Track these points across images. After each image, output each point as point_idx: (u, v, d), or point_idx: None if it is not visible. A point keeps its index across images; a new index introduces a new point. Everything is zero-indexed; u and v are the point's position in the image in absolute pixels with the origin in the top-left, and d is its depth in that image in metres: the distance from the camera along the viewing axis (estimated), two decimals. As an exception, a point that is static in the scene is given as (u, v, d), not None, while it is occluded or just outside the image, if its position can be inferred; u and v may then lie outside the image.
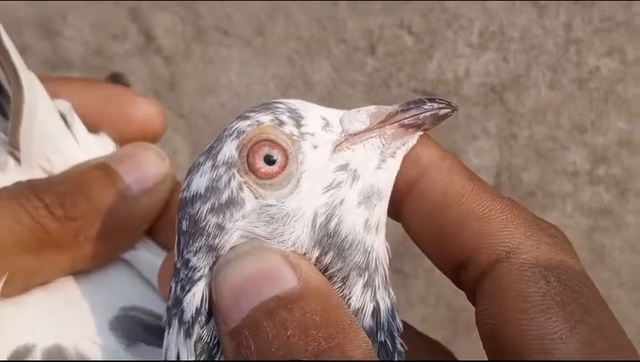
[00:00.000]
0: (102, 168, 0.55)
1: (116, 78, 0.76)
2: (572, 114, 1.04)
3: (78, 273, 0.55)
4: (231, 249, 0.45)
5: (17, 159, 0.56)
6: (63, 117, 0.57)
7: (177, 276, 0.46)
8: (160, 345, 0.50)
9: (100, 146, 0.58)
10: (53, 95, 0.58)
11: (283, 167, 0.45)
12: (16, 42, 0.56)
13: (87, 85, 0.61)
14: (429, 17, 1.04)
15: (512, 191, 1.07)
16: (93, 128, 0.59)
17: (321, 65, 1.07)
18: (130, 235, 0.57)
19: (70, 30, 1.10)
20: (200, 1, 1.07)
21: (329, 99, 1.06)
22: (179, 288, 0.46)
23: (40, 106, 0.55)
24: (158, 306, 0.55)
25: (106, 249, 0.55)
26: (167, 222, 0.57)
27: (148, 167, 0.56)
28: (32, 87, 0.55)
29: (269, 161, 0.45)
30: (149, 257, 0.57)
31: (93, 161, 0.56)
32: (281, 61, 1.07)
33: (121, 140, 0.60)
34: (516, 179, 1.08)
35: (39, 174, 0.56)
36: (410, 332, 0.50)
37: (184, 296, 0.46)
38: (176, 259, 0.47)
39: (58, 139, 0.57)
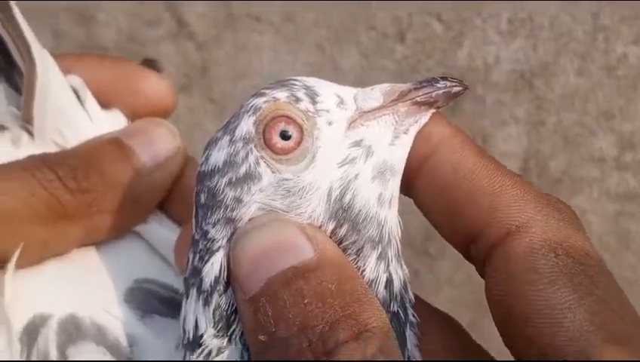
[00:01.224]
0: (114, 142, 0.56)
1: (149, 63, 0.76)
2: (600, 100, 1.04)
3: (92, 245, 0.56)
4: (249, 221, 0.46)
5: (31, 133, 0.56)
6: (76, 92, 0.58)
7: (196, 247, 0.47)
8: (174, 316, 0.50)
9: (112, 121, 0.59)
10: (66, 71, 0.58)
11: (299, 143, 0.46)
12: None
13: (99, 61, 0.62)
14: (458, 5, 1.05)
15: (540, 177, 1.07)
16: (105, 104, 0.59)
17: (350, 52, 1.08)
18: (143, 208, 0.57)
19: (105, 16, 1.12)
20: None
21: (359, 86, 1.07)
22: (197, 259, 0.47)
23: (52, 82, 0.56)
24: (171, 278, 0.55)
25: (119, 221, 0.55)
26: (179, 195, 0.58)
27: (160, 142, 0.57)
28: (45, 63, 0.56)
29: (285, 136, 0.46)
30: (160, 230, 0.57)
31: (105, 135, 0.57)
32: (312, 48, 1.08)
33: (132, 116, 0.60)
34: (544, 164, 1.08)
35: (52, 148, 0.56)
36: (421, 304, 0.51)
37: (203, 266, 0.46)
38: (194, 230, 0.48)
39: (71, 115, 0.57)
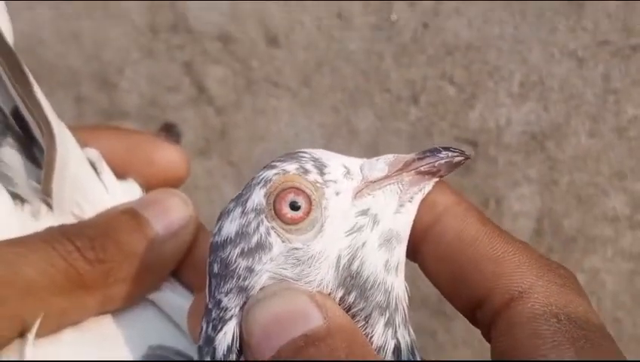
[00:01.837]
0: (129, 213, 0.57)
1: (169, 128, 0.78)
2: (611, 161, 1.04)
3: (107, 313, 0.57)
4: (260, 290, 0.47)
5: (50, 206, 0.58)
6: (93, 165, 0.60)
7: (209, 316, 0.48)
8: None
9: (128, 192, 0.60)
10: (83, 144, 0.60)
11: (308, 213, 0.47)
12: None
13: (114, 134, 0.64)
14: (470, 69, 1.06)
15: (554, 237, 1.07)
16: (120, 174, 0.61)
17: (365, 114, 1.09)
18: (157, 276, 0.58)
19: (126, 83, 1.14)
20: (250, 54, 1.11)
21: (373, 148, 1.08)
22: (210, 327, 0.48)
23: (71, 156, 0.58)
24: (184, 345, 0.56)
25: (134, 290, 0.56)
26: (191, 263, 0.59)
27: (173, 212, 0.58)
28: (64, 138, 0.57)
29: (295, 207, 0.47)
30: (174, 298, 0.58)
31: (121, 206, 0.58)
32: (327, 111, 1.10)
33: (147, 185, 0.62)
34: (557, 224, 1.08)
35: (70, 220, 0.58)
36: (429, 368, 0.52)
37: (216, 335, 0.47)
38: (207, 299, 0.49)
39: (88, 187, 0.59)
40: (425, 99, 1.08)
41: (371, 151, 0.49)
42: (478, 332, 0.50)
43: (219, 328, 0.47)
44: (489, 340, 0.48)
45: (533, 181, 1.07)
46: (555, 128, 1.05)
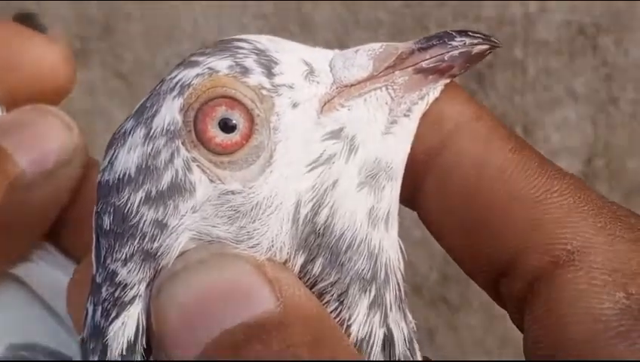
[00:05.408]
0: None
1: (25, 20, 0.77)
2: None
3: None
4: (179, 256, 0.46)
5: None
6: None
7: (97, 295, 0.47)
8: None
9: None
10: None
11: (248, 136, 0.46)
12: None
13: None
14: None
15: (612, 182, 1.08)
16: None
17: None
18: (22, 240, 0.58)
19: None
20: None
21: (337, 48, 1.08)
22: (100, 313, 0.47)
23: None
24: (62, 340, 0.56)
25: None
26: (77, 219, 0.58)
27: (48, 140, 0.57)
28: None
29: (227, 127, 0.46)
30: (49, 271, 0.58)
31: None
32: (267, -7, 1.10)
33: (8, 101, 0.60)
34: (617, 164, 1.09)
35: None
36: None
37: (109, 325, 0.46)
38: (94, 270, 0.48)
39: None
40: (416, -26, 1.08)
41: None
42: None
43: (113, 314, 0.46)
44: (520, 325, 0.47)
45: (581, 99, 1.08)
46: (613, 17, 1.06)
